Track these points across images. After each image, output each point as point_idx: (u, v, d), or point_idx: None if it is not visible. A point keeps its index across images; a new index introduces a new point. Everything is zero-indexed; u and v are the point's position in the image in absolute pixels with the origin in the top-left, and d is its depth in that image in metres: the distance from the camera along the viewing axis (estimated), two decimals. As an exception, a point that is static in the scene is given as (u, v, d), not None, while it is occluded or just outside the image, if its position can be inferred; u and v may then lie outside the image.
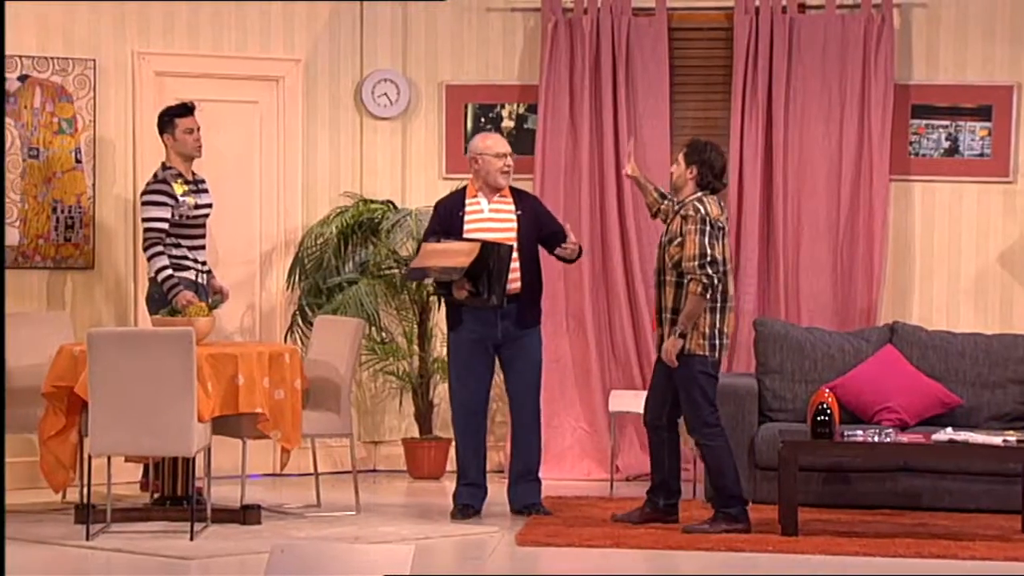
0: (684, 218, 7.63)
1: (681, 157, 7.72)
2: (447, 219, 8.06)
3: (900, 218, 9.55)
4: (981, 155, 9.50)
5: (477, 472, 8.16)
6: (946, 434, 7.82)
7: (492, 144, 8.14)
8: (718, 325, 7.63)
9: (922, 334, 8.97)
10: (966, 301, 9.51)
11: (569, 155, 9.60)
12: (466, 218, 8.03)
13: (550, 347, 9.60)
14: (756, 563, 7.17)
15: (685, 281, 7.59)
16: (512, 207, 8.09)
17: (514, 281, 7.98)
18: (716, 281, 7.54)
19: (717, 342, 7.63)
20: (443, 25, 9.75)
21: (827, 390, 8.11)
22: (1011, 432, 7.97)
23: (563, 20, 9.58)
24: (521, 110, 9.74)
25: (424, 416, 9.62)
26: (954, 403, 8.68)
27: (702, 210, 7.59)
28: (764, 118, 9.48)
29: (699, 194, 7.67)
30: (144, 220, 8.46)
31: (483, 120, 9.76)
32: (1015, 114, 9.43)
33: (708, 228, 7.56)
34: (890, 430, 8.04)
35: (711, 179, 7.68)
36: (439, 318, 9.69)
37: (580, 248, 8.11)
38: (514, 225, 8.04)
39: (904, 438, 7.92)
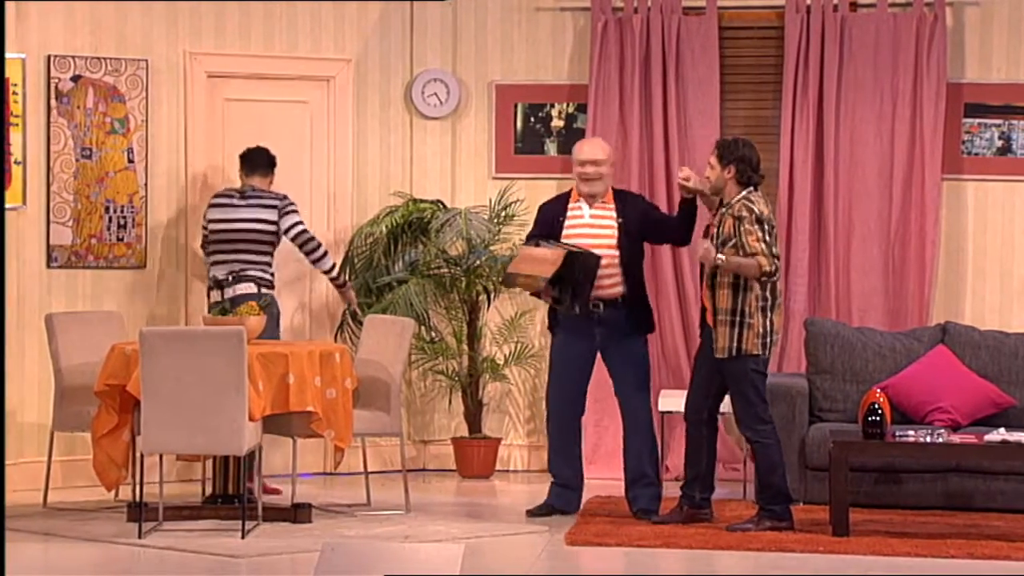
0: (737, 219, 7.61)
1: (714, 160, 7.70)
2: (549, 223, 8.09)
3: (952, 217, 9.50)
4: (1034, 154, 9.44)
5: (568, 474, 8.18)
6: (999, 435, 7.77)
7: (576, 151, 8.20)
8: (771, 324, 7.63)
9: (974, 334, 8.91)
10: (1019, 301, 9.45)
11: (619, 154, 9.58)
12: (566, 223, 8.05)
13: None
14: (807, 564, 7.15)
15: (741, 282, 7.57)
16: (613, 213, 8.06)
17: (612, 287, 7.98)
18: (776, 272, 7.57)
19: (768, 340, 7.64)
20: (492, 25, 9.76)
21: (878, 390, 8.08)
22: (1064, 433, 7.92)
23: (613, 19, 9.57)
24: (571, 110, 9.74)
25: (473, 415, 9.63)
26: (1007, 403, 8.63)
27: (755, 209, 7.60)
28: (815, 117, 9.45)
29: (745, 192, 7.66)
30: (301, 225, 8.67)
31: (532, 120, 9.76)
32: (1068, 112, 9.37)
33: (764, 225, 7.58)
34: (942, 431, 8.00)
35: (751, 173, 7.67)
36: (488, 317, 9.70)
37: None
38: (614, 232, 8.02)
39: (956, 439, 7.87)
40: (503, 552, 7.39)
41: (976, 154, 9.49)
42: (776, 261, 7.57)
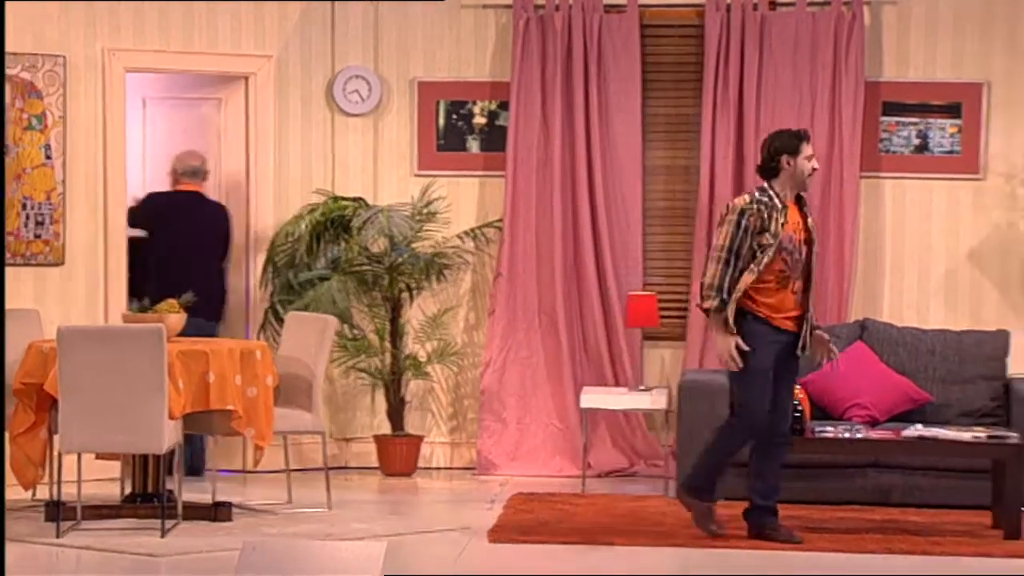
0: (810, 214, 7.54)
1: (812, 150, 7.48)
2: None
3: (871, 215, 9.58)
4: (951, 152, 9.53)
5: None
6: (916, 430, 7.85)
7: None
8: None
9: (892, 331, 8.99)
10: (936, 298, 9.54)
11: (541, 151, 9.61)
12: None
13: (523, 343, 9.62)
14: (726, 559, 7.19)
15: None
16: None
17: None
18: None
19: None
20: (414, 22, 9.74)
21: (798, 387, 8.13)
22: (980, 428, 8.00)
23: (534, 17, 9.58)
24: (493, 107, 9.74)
25: (396, 413, 9.62)
26: (924, 399, 8.71)
27: None
28: (735, 115, 9.50)
29: None
30: None
31: (455, 117, 9.75)
32: (984, 111, 9.47)
33: None
34: (860, 426, 8.07)
35: None
36: (410, 315, 9.69)
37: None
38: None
39: (874, 434, 7.94)
40: (425, 550, 7.39)
41: (894, 152, 9.57)
42: None
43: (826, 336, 7.52)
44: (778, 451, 7.52)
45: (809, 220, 7.48)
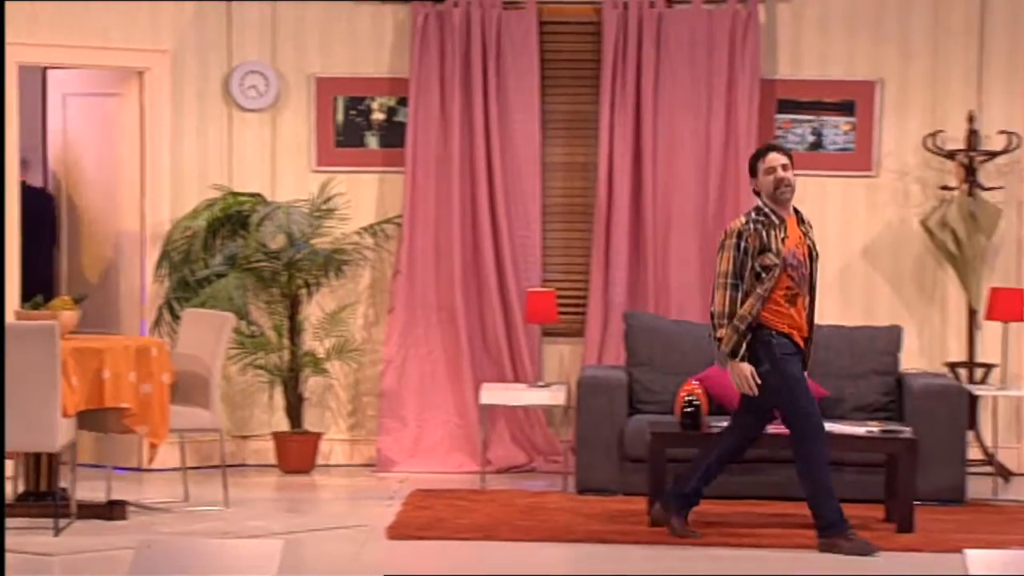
0: (810, 227, 7.48)
1: (789, 163, 7.40)
2: None
3: (767, 212, 9.64)
4: (844, 149, 9.64)
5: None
6: (811, 425, 7.91)
7: None
8: None
9: (788, 326, 9.07)
10: (831, 294, 9.63)
11: (440, 147, 9.60)
12: None
13: (422, 340, 9.61)
14: (624, 555, 7.22)
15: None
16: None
17: None
18: None
19: None
20: (312, 17, 9.70)
21: (695, 382, 8.19)
22: (874, 423, 8.10)
23: (433, 13, 9.57)
24: (392, 103, 9.72)
25: (294, 410, 9.57)
26: (819, 394, 8.78)
27: None
28: (633, 112, 9.54)
29: None
30: None
31: (353, 113, 9.72)
32: (877, 109, 9.59)
33: None
34: (756, 421, 8.12)
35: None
36: (309, 311, 9.65)
37: None
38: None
39: (771, 429, 8.00)
40: (324, 548, 7.36)
41: (789, 149, 9.64)
42: None
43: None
44: (739, 453, 7.57)
45: (810, 234, 7.40)
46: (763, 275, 7.24)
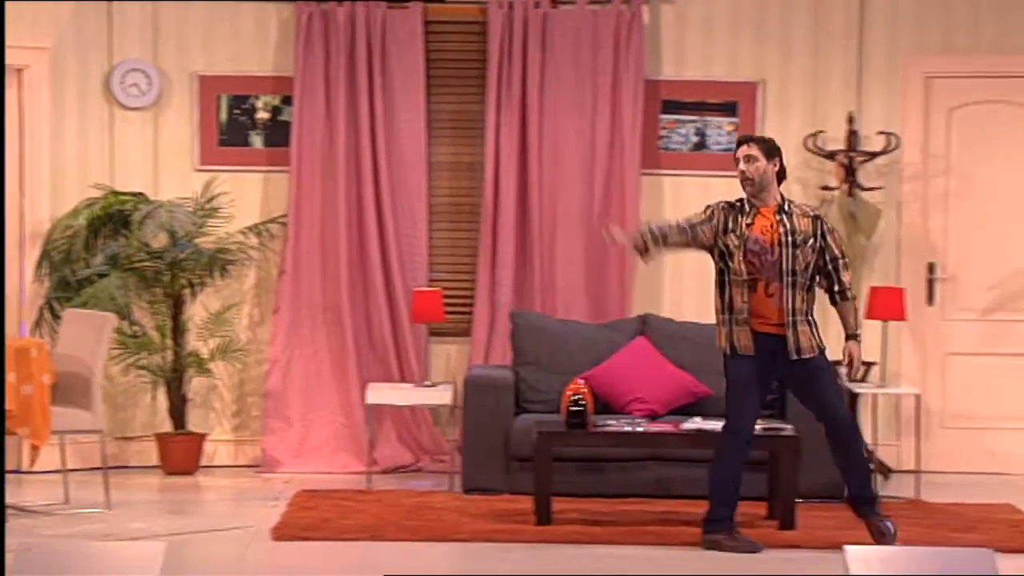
0: (815, 218, 7.37)
1: (759, 153, 7.34)
2: None
3: (651, 211, 9.71)
4: (728, 150, 9.71)
5: None
6: (695, 423, 7.99)
7: None
8: None
9: (672, 325, 9.14)
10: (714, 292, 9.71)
11: (325, 147, 9.57)
12: None
13: (307, 340, 9.57)
14: (509, 553, 7.24)
15: (811, 284, 7.35)
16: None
17: None
18: None
19: None
20: (195, 15, 9.62)
21: (581, 381, 8.23)
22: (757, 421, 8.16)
23: (317, 11, 9.53)
24: (276, 102, 9.67)
25: (178, 411, 9.49)
26: (703, 393, 8.87)
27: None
28: (519, 112, 9.57)
29: (781, 190, 7.42)
30: None
31: (237, 112, 9.66)
32: (760, 109, 9.69)
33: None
34: (641, 420, 8.19)
35: (784, 172, 7.45)
36: (193, 311, 9.57)
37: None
38: None
39: (654, 428, 8.06)
40: (207, 549, 7.31)
41: (673, 150, 9.73)
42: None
43: (852, 353, 7.44)
44: (849, 441, 7.37)
45: (793, 223, 7.30)
46: (726, 257, 7.33)
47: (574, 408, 7.89)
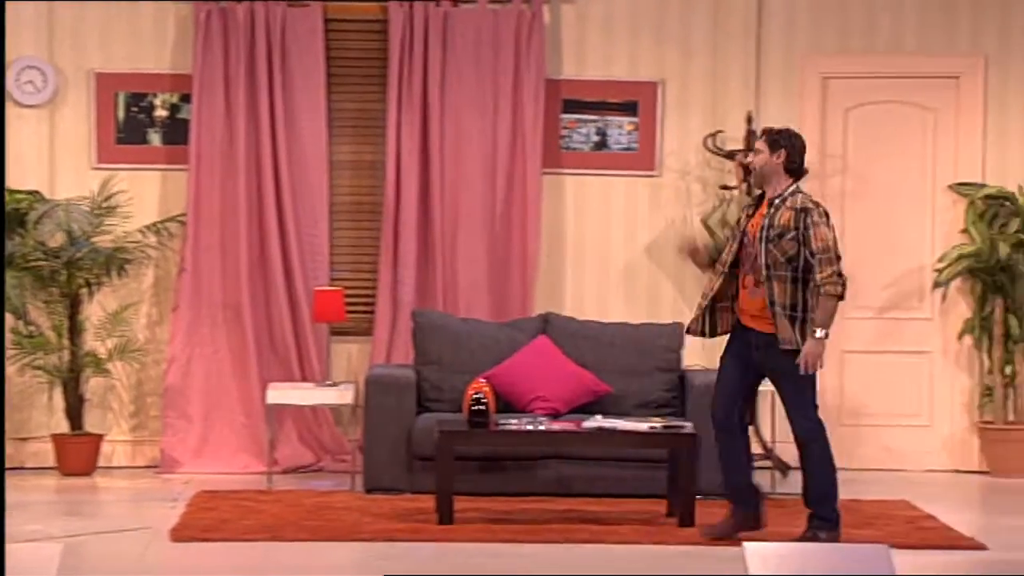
0: (802, 211, 7.25)
1: (763, 144, 7.36)
2: None
3: (553, 211, 9.75)
4: (628, 149, 9.78)
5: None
6: (595, 422, 8.02)
7: None
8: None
9: (574, 324, 9.17)
10: (616, 291, 9.78)
11: (225, 145, 9.50)
12: None
13: (207, 339, 9.50)
14: (411, 553, 7.23)
15: (800, 276, 7.27)
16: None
17: None
18: (844, 276, 7.29)
19: (829, 332, 7.33)
20: (91, 12, 9.51)
21: (483, 380, 8.24)
22: (657, 419, 8.22)
23: (216, 9, 9.46)
24: (175, 99, 9.59)
25: (75, 411, 9.39)
26: (604, 391, 8.91)
27: (820, 203, 7.38)
28: (420, 111, 9.56)
29: (795, 184, 7.35)
30: None
31: (135, 109, 9.57)
32: (660, 109, 9.74)
33: (829, 220, 7.31)
34: (543, 418, 8.21)
35: (798, 163, 7.35)
36: (90, 311, 9.48)
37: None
38: None
39: (556, 426, 8.08)
40: (105, 550, 7.23)
41: (574, 149, 9.77)
42: (840, 260, 7.27)
43: (803, 353, 7.24)
44: (800, 453, 7.41)
45: (774, 217, 7.29)
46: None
47: (476, 407, 7.90)
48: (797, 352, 7.24)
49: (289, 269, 9.54)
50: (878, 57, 9.78)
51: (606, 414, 8.33)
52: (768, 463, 9.23)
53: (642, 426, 7.93)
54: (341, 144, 9.72)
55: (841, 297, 7.28)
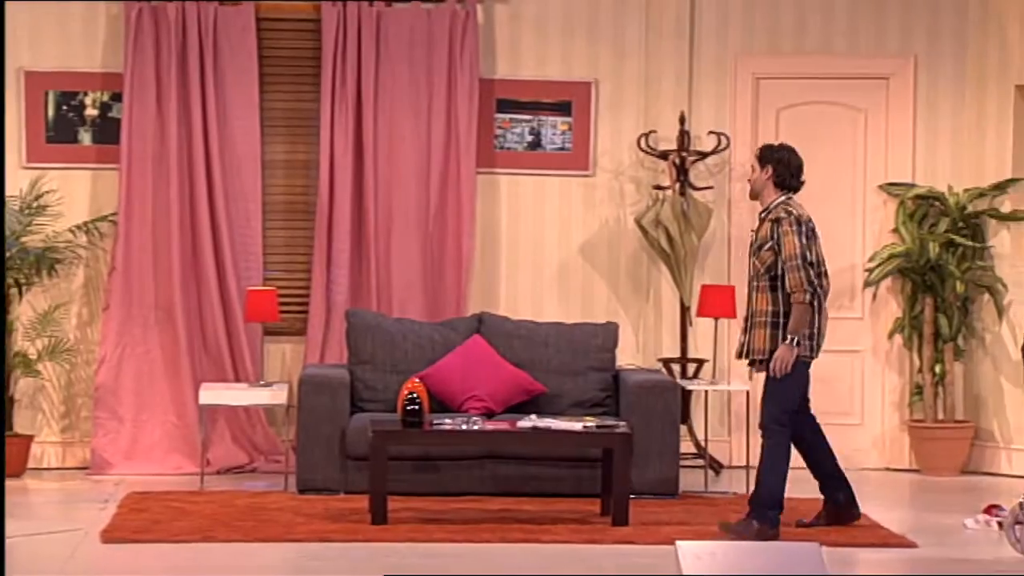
0: (775, 222, 7.55)
1: (755, 162, 7.69)
2: None
3: (487, 211, 9.75)
4: (562, 149, 9.78)
5: None
6: (530, 421, 8.02)
7: None
8: (819, 325, 7.58)
9: (508, 324, 9.17)
10: (550, 291, 9.78)
11: (156, 144, 9.44)
12: None
13: (139, 339, 9.43)
14: (345, 553, 7.20)
15: (779, 284, 7.52)
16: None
17: None
18: (815, 282, 7.50)
19: (817, 342, 7.59)
20: (20, 10, 9.42)
21: (417, 380, 8.22)
22: (591, 418, 8.23)
23: (147, 8, 9.40)
24: (105, 98, 9.52)
25: (4, 412, 9.29)
26: (538, 391, 8.91)
27: (793, 212, 7.56)
28: (354, 110, 9.53)
29: (783, 197, 7.62)
30: None
31: (65, 108, 9.49)
32: (593, 109, 9.76)
33: (802, 228, 7.52)
34: (477, 418, 8.20)
35: (788, 177, 7.61)
36: (20, 311, 9.39)
37: None
38: None
39: (490, 426, 8.08)
40: (34, 551, 7.16)
41: (508, 149, 9.77)
42: (811, 267, 7.50)
43: (777, 353, 7.52)
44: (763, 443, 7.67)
45: (759, 230, 7.63)
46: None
47: (410, 407, 7.88)
48: (769, 360, 7.54)
49: (222, 269, 9.49)
50: (809, 58, 9.84)
51: (540, 414, 8.34)
52: (702, 462, 9.27)
53: (576, 425, 7.93)
54: (274, 144, 9.68)
55: (811, 303, 7.49)
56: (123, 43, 9.40)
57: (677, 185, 9.57)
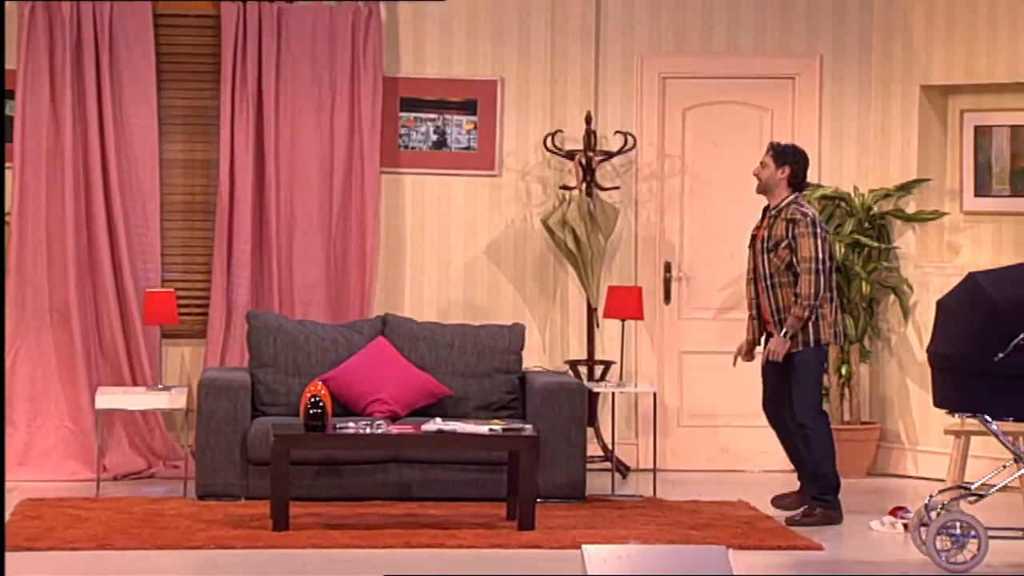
0: (791, 222, 7.98)
1: (769, 159, 8.09)
2: None
3: (391, 210, 9.67)
4: (468, 148, 9.71)
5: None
6: (435, 424, 7.94)
7: None
8: (837, 315, 8.10)
9: (412, 326, 9.09)
10: (455, 292, 9.71)
11: (51, 143, 9.28)
12: None
13: (33, 342, 9.26)
14: (245, 560, 7.10)
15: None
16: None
17: None
18: (823, 295, 7.95)
19: (836, 329, 8.08)
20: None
21: (320, 382, 8.13)
22: (497, 421, 8.17)
23: (41, 4, 9.23)
24: (-2, 96, 9.34)
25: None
26: (443, 393, 8.83)
27: (808, 214, 8.01)
28: (255, 109, 9.43)
29: (793, 196, 8.06)
30: None
31: (-44, 104, 9.30)
32: (499, 108, 9.69)
33: (818, 231, 7.95)
34: (381, 421, 8.11)
35: (802, 178, 8.08)
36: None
37: None
38: None
39: (394, 429, 8.00)
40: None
41: (413, 148, 9.68)
42: (825, 270, 7.92)
43: (770, 343, 8.08)
44: (800, 439, 8.14)
45: (773, 227, 8.01)
46: None
47: (313, 410, 7.79)
48: (802, 351, 8.00)
49: (119, 270, 9.35)
50: (715, 58, 9.83)
51: (446, 417, 8.28)
52: (608, 465, 9.23)
53: (482, 429, 7.88)
54: (173, 142, 9.55)
55: (814, 298, 7.97)
56: (16, 39, 9.21)
57: (584, 185, 9.52)
